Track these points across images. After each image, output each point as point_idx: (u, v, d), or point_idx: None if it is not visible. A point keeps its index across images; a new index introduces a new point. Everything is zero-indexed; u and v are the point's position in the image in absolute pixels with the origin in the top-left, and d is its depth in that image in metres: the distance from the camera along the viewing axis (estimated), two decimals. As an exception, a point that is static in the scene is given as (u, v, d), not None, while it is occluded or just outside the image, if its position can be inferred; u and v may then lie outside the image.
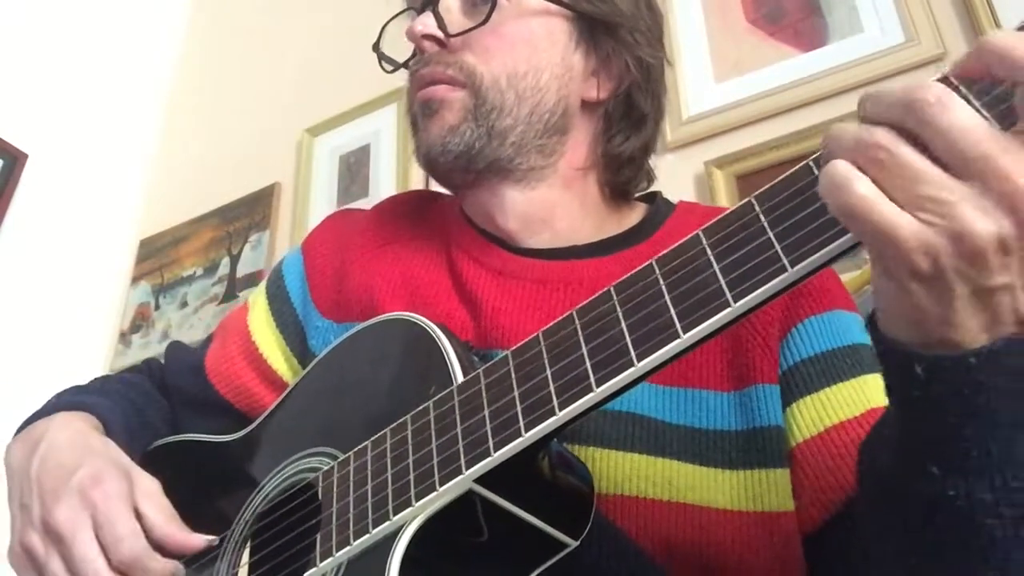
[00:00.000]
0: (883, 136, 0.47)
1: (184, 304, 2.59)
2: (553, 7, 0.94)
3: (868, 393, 0.81)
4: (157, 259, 2.74)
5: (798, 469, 0.80)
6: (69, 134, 2.66)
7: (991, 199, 0.45)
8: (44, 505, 0.79)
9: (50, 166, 2.57)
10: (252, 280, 2.45)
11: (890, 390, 0.57)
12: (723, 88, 1.90)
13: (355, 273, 1.01)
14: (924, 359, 0.51)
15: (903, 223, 0.46)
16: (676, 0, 2.04)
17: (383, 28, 1.03)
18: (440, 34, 0.92)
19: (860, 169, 0.48)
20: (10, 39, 2.55)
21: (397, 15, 1.03)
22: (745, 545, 0.77)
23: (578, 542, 0.69)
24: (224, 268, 2.56)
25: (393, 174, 2.34)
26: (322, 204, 2.43)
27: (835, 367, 0.83)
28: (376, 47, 1.01)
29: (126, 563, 0.75)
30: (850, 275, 1.51)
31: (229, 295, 2.49)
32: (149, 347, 2.54)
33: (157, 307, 2.65)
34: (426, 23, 0.93)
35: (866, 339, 0.86)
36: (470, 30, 0.91)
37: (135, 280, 2.75)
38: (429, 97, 0.93)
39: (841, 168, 0.48)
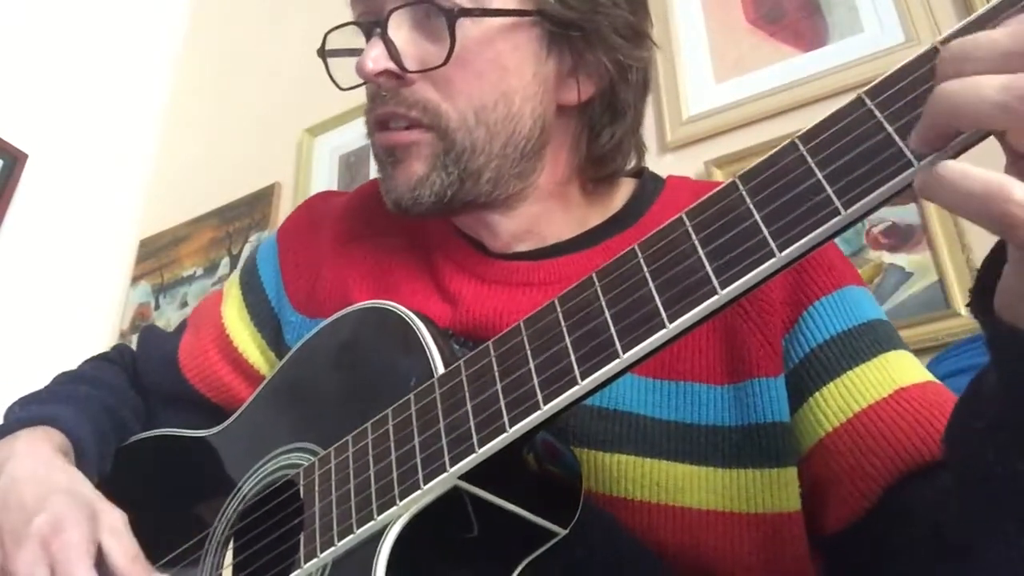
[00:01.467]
0: None
1: (184, 304, 2.59)
2: (519, 19, 0.83)
3: (893, 372, 0.77)
4: (157, 259, 2.74)
5: (830, 460, 0.76)
6: (69, 134, 2.66)
7: None
8: (4, 550, 0.76)
9: (50, 166, 2.57)
10: (252, 280, 2.45)
11: (1011, 377, 0.53)
12: (723, 88, 1.90)
13: (328, 267, 0.97)
14: None
15: None
16: (676, 0, 2.03)
17: (325, 36, 0.92)
18: (395, 68, 0.82)
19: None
20: (10, 39, 2.55)
21: (338, 28, 0.92)
22: (738, 547, 0.75)
23: (567, 530, 0.68)
24: (224, 268, 2.56)
25: (393, 174, 2.33)
26: (322, 204, 2.43)
27: (855, 348, 0.78)
28: (321, 52, 0.91)
29: None
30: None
31: (229, 295, 2.49)
32: (149, 348, 2.54)
33: (157, 307, 2.65)
34: (376, 57, 0.82)
35: (880, 313, 0.83)
36: (429, 70, 0.81)
37: (135, 280, 2.75)
38: (392, 144, 0.85)
39: (986, 174, 0.44)
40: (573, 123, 0.90)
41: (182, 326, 1.09)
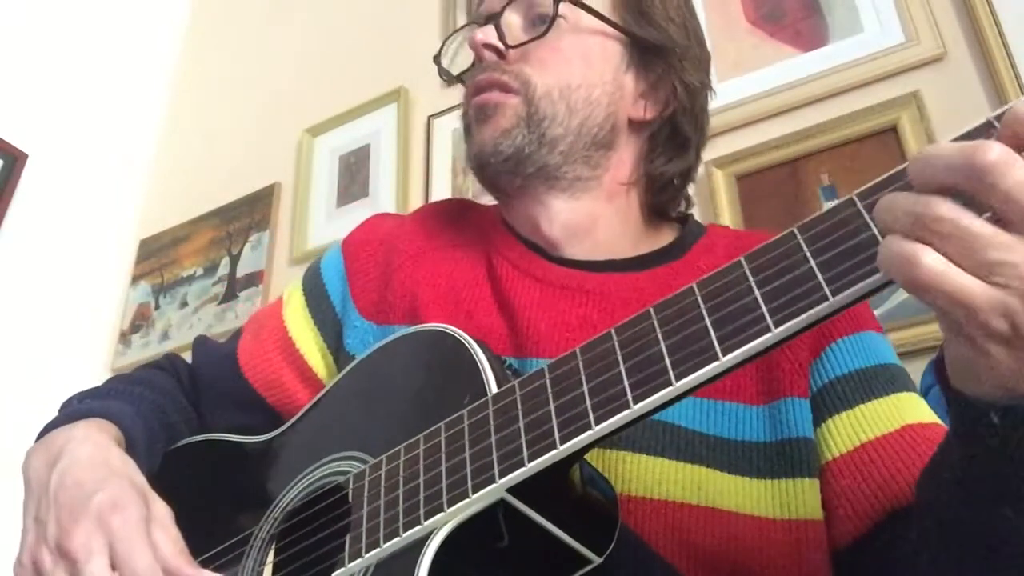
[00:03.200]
0: (944, 208, 0.48)
1: (184, 304, 2.60)
2: (609, 29, 0.97)
3: (902, 410, 0.83)
4: (157, 259, 2.75)
5: (834, 484, 0.81)
6: (69, 134, 2.66)
7: None
8: (60, 525, 0.77)
9: (50, 166, 2.58)
10: (252, 280, 2.46)
11: (960, 437, 0.58)
12: (723, 88, 1.89)
13: (400, 276, 1.02)
14: (999, 408, 0.52)
15: (976, 289, 0.47)
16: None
17: (444, 42, 1.08)
18: (500, 44, 0.96)
19: (923, 242, 0.48)
20: (10, 39, 2.55)
21: (460, 29, 1.08)
22: (772, 551, 0.78)
23: (602, 559, 0.70)
24: (224, 268, 2.57)
25: (393, 174, 2.35)
26: (322, 204, 2.44)
27: (869, 385, 0.84)
28: (437, 59, 1.06)
29: None
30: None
31: (229, 295, 2.50)
32: (149, 347, 2.55)
33: (157, 307, 2.66)
34: (487, 32, 0.97)
35: (895, 359, 0.89)
36: (528, 42, 0.95)
37: (135, 280, 2.76)
38: (484, 103, 0.97)
39: (902, 246, 0.49)
40: (639, 140, 1.01)
41: (238, 333, 1.12)
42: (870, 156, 1.67)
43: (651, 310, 0.64)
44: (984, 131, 0.51)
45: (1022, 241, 0.47)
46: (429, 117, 2.35)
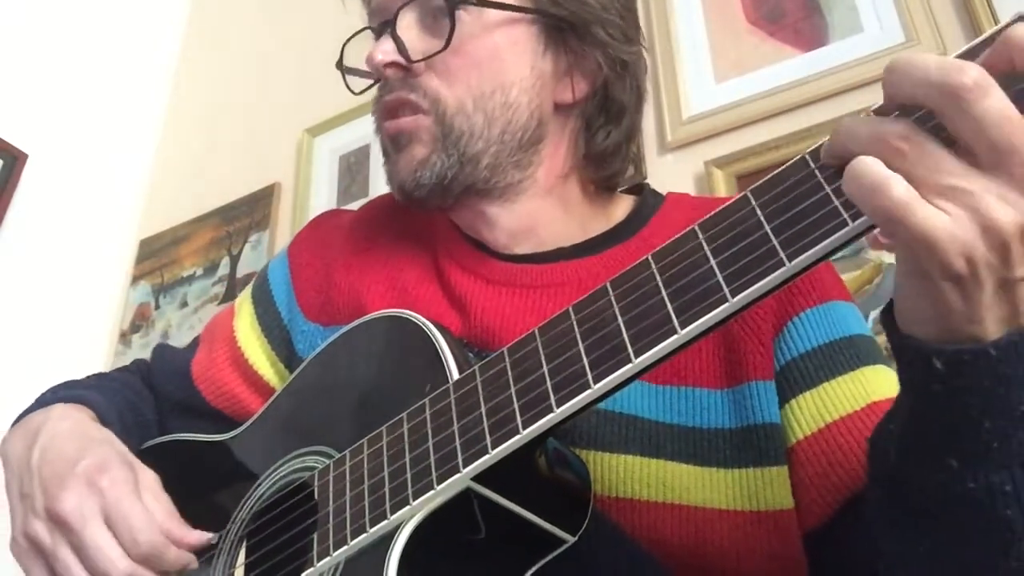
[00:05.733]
0: (902, 127, 0.48)
1: (184, 304, 2.59)
2: (516, 15, 0.89)
3: (868, 386, 0.80)
4: (157, 259, 2.74)
5: (799, 466, 0.78)
6: (69, 134, 2.65)
7: (1017, 189, 0.46)
8: (48, 493, 0.77)
9: (50, 166, 2.57)
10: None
11: (906, 384, 0.57)
12: (723, 88, 1.90)
13: (341, 276, 1.00)
14: (944, 353, 0.51)
15: (940, 224, 0.46)
16: (676, 0, 2.04)
17: (343, 47, 0.99)
18: (401, 60, 0.89)
19: (887, 163, 0.47)
20: (10, 39, 2.55)
21: (355, 35, 0.99)
22: (742, 544, 0.76)
23: (576, 537, 0.69)
24: (224, 268, 2.56)
25: (393, 174, 2.33)
26: (322, 204, 2.43)
27: (833, 361, 0.81)
28: (339, 65, 0.98)
29: (143, 553, 0.74)
30: (850, 275, 1.51)
31: (229, 295, 2.49)
32: (149, 347, 2.54)
33: (157, 307, 2.65)
34: (385, 50, 0.89)
35: (864, 329, 0.86)
36: (431, 56, 0.88)
37: (135, 280, 2.75)
38: (396, 130, 0.90)
39: (875, 169, 0.47)
40: (571, 122, 0.95)
41: (194, 343, 1.11)
42: (869, 156, 1.66)
43: (607, 286, 0.62)
44: (982, 49, 0.49)
45: (974, 171, 0.46)
46: (428, 117, 2.34)
